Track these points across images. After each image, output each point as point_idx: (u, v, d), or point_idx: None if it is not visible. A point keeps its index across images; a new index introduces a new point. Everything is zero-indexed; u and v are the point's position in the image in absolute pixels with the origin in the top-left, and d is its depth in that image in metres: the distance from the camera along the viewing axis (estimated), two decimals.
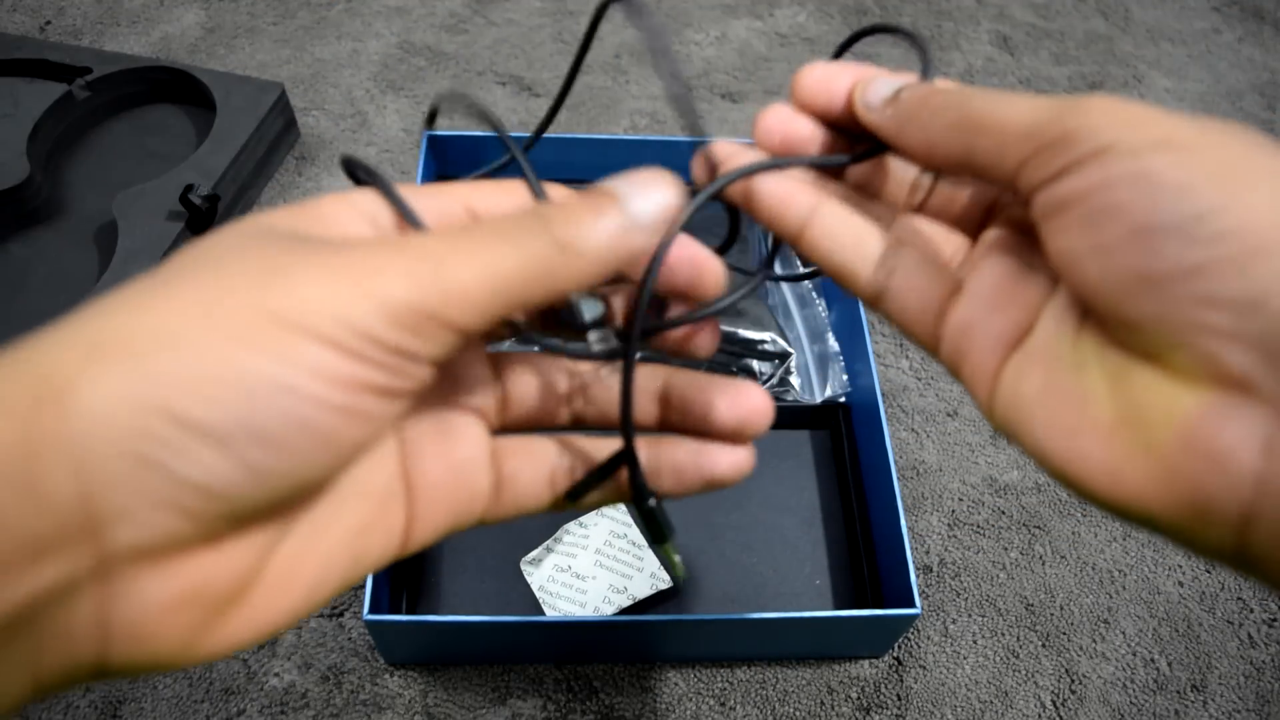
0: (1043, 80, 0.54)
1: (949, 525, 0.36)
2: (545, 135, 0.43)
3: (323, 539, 0.13)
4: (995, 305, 0.14)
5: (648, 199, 0.13)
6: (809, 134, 0.16)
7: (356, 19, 0.53)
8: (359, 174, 0.14)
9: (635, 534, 0.34)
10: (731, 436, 0.15)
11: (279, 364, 0.11)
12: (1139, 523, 0.12)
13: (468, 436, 0.15)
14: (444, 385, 0.15)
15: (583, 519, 0.34)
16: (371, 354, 0.11)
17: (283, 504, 0.12)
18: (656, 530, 0.16)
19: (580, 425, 0.16)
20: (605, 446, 0.15)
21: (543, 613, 0.32)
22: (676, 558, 0.17)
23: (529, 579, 0.33)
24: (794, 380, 0.38)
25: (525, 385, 0.16)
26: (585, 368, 0.16)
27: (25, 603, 0.10)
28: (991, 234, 0.15)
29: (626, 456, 0.15)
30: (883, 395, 0.35)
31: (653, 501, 0.15)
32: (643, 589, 0.32)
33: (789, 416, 0.38)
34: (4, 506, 0.10)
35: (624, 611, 0.32)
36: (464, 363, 0.15)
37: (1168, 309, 0.11)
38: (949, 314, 0.14)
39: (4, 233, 0.40)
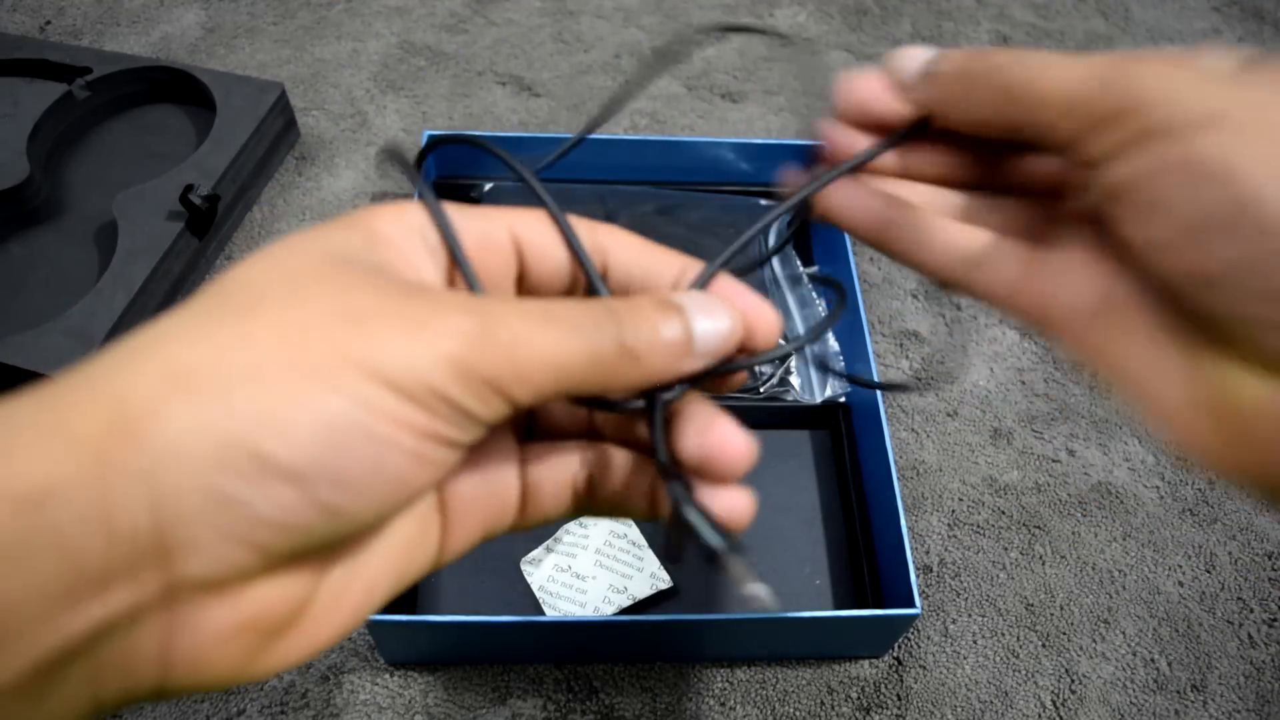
0: None
1: (949, 525, 0.36)
2: (547, 135, 0.43)
3: (371, 561, 0.13)
4: (1074, 281, 0.13)
5: (712, 322, 0.13)
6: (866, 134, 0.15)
7: (356, 19, 0.53)
8: (401, 169, 0.14)
9: (635, 534, 0.34)
10: (699, 474, 0.14)
11: (360, 408, 0.11)
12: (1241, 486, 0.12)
13: (498, 447, 0.15)
14: None
15: (583, 519, 0.34)
16: (439, 408, 0.12)
17: (345, 540, 0.12)
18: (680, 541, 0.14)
19: (602, 436, 0.16)
20: (626, 453, 0.15)
21: (543, 613, 0.32)
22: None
23: (529, 579, 0.33)
24: (794, 380, 0.38)
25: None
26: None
27: (92, 628, 0.10)
28: (1070, 203, 0.15)
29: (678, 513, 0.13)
30: (882, 395, 0.35)
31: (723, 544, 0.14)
32: (643, 589, 0.32)
33: (789, 416, 0.38)
34: (76, 537, 0.10)
35: (624, 611, 0.32)
36: None
37: (1228, 305, 0.11)
38: (1033, 288, 0.14)
39: (4, 233, 0.40)
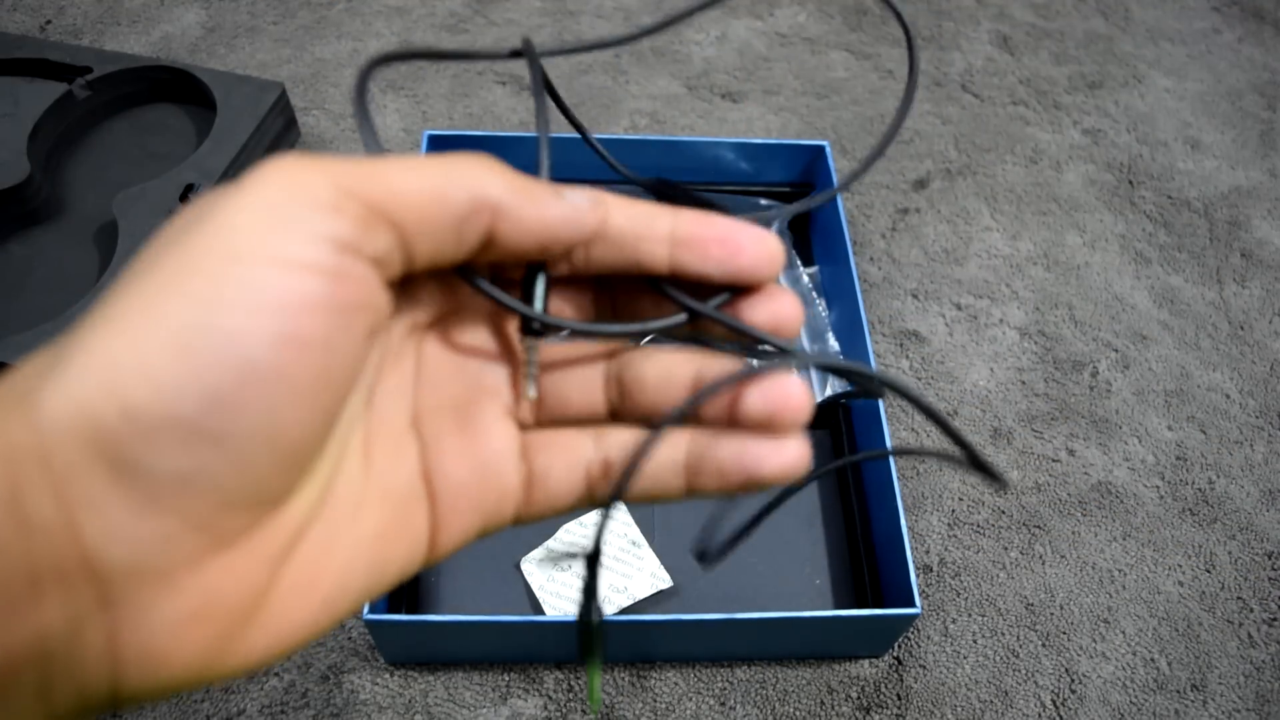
0: (1042, 80, 0.54)
1: (949, 525, 0.36)
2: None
3: (340, 546, 0.13)
4: None
5: (581, 196, 0.13)
6: None
7: (357, 19, 0.53)
8: None
9: (635, 534, 0.34)
10: (763, 429, 0.14)
11: (205, 308, 0.10)
12: None
13: (493, 432, 0.14)
14: (466, 379, 0.15)
15: (583, 518, 0.34)
16: (305, 254, 0.11)
17: (279, 485, 0.11)
18: (589, 647, 0.14)
19: (620, 416, 0.15)
20: (641, 437, 0.14)
21: (543, 612, 0.32)
22: (598, 681, 0.15)
23: (529, 579, 0.33)
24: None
25: (558, 378, 0.15)
26: (624, 355, 0.15)
27: (31, 640, 0.10)
28: None
29: (590, 566, 0.14)
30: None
31: (596, 618, 0.14)
32: (643, 589, 0.32)
33: None
34: None
35: (624, 611, 0.32)
36: (489, 354, 0.15)
37: None
38: None
39: (4, 232, 0.40)
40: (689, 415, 0.14)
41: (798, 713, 0.31)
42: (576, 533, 0.34)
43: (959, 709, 0.32)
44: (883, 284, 0.44)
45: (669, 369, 0.15)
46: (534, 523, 0.15)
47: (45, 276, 0.39)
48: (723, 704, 0.31)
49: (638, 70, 0.52)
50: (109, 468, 0.10)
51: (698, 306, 0.14)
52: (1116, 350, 0.42)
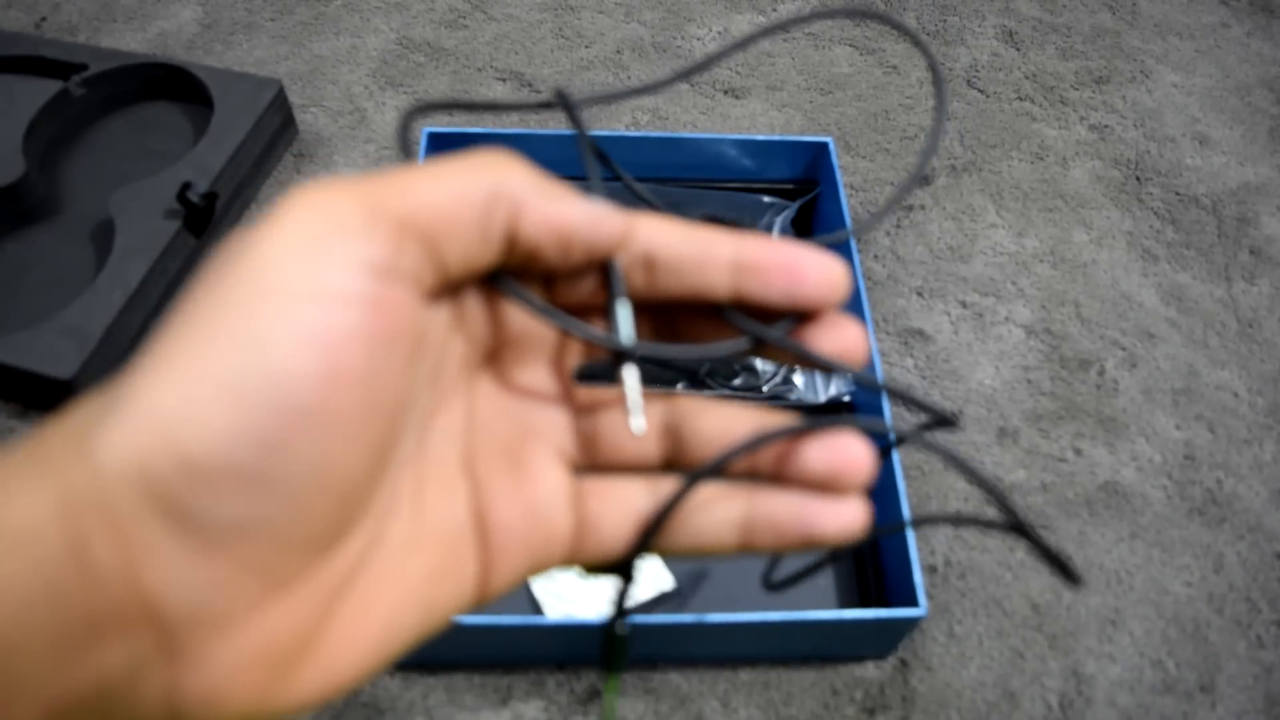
0: (1048, 75, 0.53)
1: (954, 525, 0.36)
2: (547, 132, 0.42)
3: (391, 586, 0.12)
4: None
5: (606, 204, 0.13)
6: None
7: (355, 15, 0.52)
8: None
9: None
10: (823, 488, 0.14)
11: (250, 351, 0.10)
12: None
13: (545, 477, 0.14)
14: (517, 420, 0.14)
15: None
16: (342, 283, 0.11)
17: (332, 525, 0.11)
18: (616, 659, 0.14)
19: (674, 467, 0.15)
20: (699, 492, 0.14)
21: (544, 615, 0.32)
22: (615, 697, 0.15)
23: (530, 581, 0.32)
24: (797, 380, 0.38)
25: (613, 424, 0.15)
26: (684, 406, 0.15)
27: (93, 684, 0.10)
28: None
29: (624, 575, 0.14)
30: (887, 394, 0.35)
31: (622, 628, 0.14)
32: (645, 591, 0.32)
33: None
34: (59, 579, 0.10)
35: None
36: (541, 395, 0.15)
37: None
38: None
39: (0, 231, 0.40)
40: (746, 469, 0.14)
41: (801, 715, 0.31)
42: None
43: (964, 711, 0.32)
44: (887, 282, 0.43)
45: (728, 423, 0.14)
46: (584, 565, 0.14)
47: (41, 275, 0.39)
48: (726, 706, 0.31)
49: (639, 66, 0.51)
50: (167, 516, 0.10)
51: (765, 333, 0.14)
52: (1124, 348, 0.42)
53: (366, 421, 0.11)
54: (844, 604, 0.33)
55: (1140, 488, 0.38)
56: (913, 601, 0.29)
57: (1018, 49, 0.55)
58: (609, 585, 0.32)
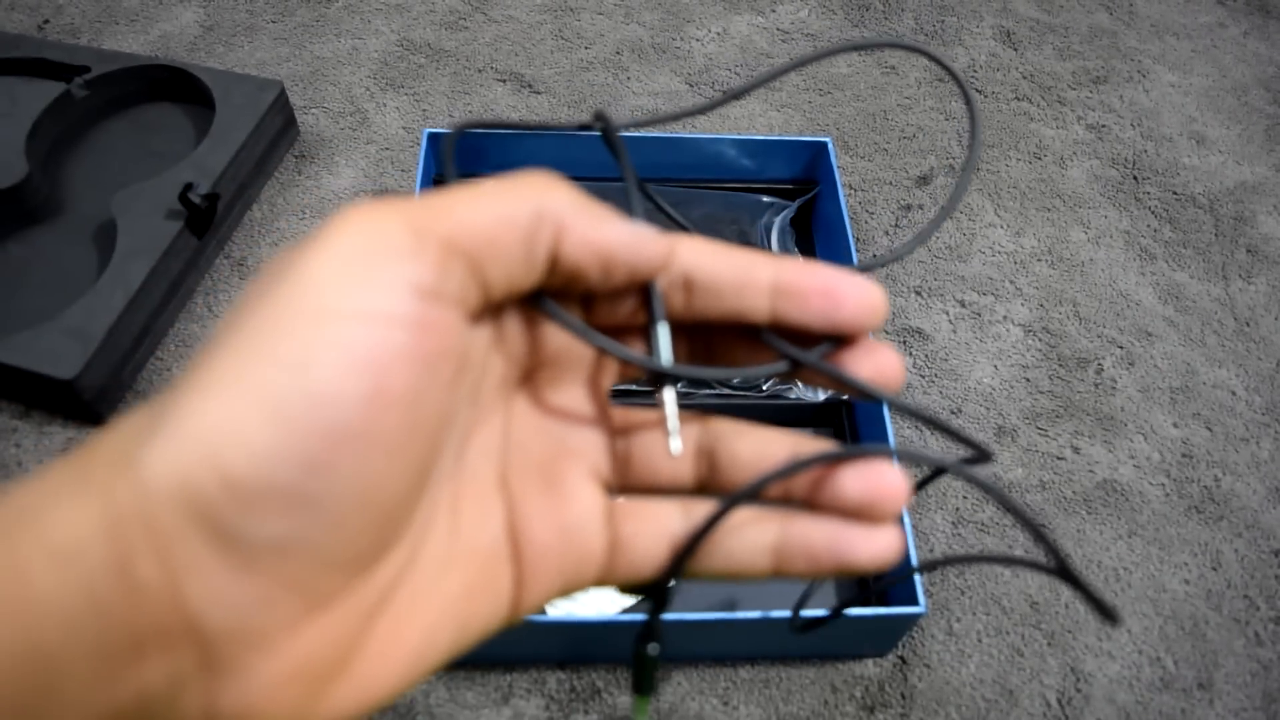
0: (1046, 75, 0.54)
1: (953, 523, 0.36)
2: (548, 131, 0.42)
3: (426, 604, 0.12)
4: None
5: (648, 226, 0.13)
6: None
7: (356, 17, 0.52)
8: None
9: None
10: (858, 515, 0.14)
11: (295, 371, 0.10)
12: None
13: (579, 495, 0.14)
14: (553, 439, 0.15)
15: None
16: (389, 305, 0.11)
17: (373, 545, 0.11)
18: (646, 680, 0.14)
19: (707, 490, 0.15)
20: (732, 515, 0.14)
21: (545, 613, 0.32)
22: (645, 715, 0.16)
23: None
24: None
25: (644, 445, 0.15)
26: (718, 428, 0.15)
27: (134, 699, 0.10)
28: None
29: (657, 599, 0.14)
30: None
31: (654, 649, 0.14)
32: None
33: (791, 415, 0.37)
34: (104, 592, 0.10)
35: (628, 612, 0.32)
36: (577, 414, 0.15)
37: None
38: None
39: (3, 232, 0.40)
40: (780, 494, 0.14)
41: (801, 712, 0.31)
42: None
43: (964, 708, 0.32)
44: (886, 281, 0.43)
45: (764, 447, 0.14)
46: (617, 584, 0.14)
47: (44, 276, 0.39)
48: (726, 704, 0.31)
49: (639, 67, 0.51)
50: (210, 534, 0.10)
51: (802, 356, 0.14)
52: (1121, 347, 0.42)
53: (409, 442, 0.11)
54: (843, 602, 0.33)
55: (1138, 486, 0.38)
56: (912, 600, 0.29)
57: (1015, 49, 0.55)
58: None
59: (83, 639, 0.10)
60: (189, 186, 0.39)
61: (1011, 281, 0.44)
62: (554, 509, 0.14)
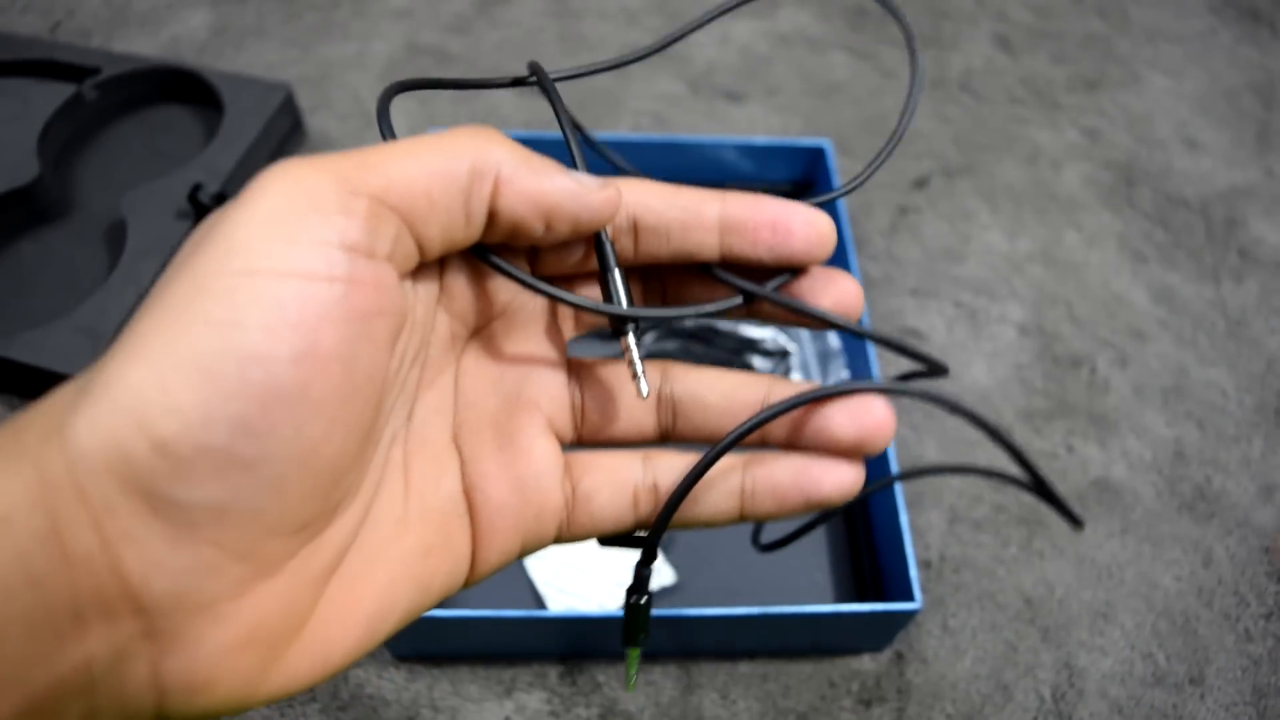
0: (1041, 80, 0.54)
1: (949, 521, 0.37)
2: (551, 135, 0.43)
3: (382, 566, 0.12)
4: None
5: (591, 177, 0.13)
6: None
7: (363, 21, 0.53)
8: None
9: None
10: (849, 453, 0.14)
11: (223, 331, 0.10)
12: None
13: (535, 451, 0.14)
14: (506, 393, 0.14)
15: None
16: (316, 263, 0.10)
17: (317, 508, 0.11)
18: (635, 631, 0.14)
19: (669, 440, 0.15)
20: (692, 463, 0.14)
21: (546, 607, 0.32)
22: (635, 670, 0.15)
23: (532, 574, 0.33)
24: (795, 378, 0.39)
25: (603, 395, 0.14)
26: (680, 375, 0.14)
27: (76, 671, 0.10)
28: None
29: (647, 551, 0.14)
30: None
31: (642, 599, 0.14)
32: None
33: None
34: (39, 563, 0.09)
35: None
36: (528, 365, 0.14)
37: None
38: None
39: (14, 231, 0.41)
40: (758, 439, 0.14)
41: (799, 706, 0.32)
42: None
43: (959, 702, 0.32)
44: (883, 282, 0.44)
45: (734, 392, 0.14)
46: (578, 541, 0.14)
47: (55, 275, 0.40)
48: (724, 697, 0.32)
49: (640, 71, 0.52)
50: (144, 501, 0.10)
51: (756, 289, 0.13)
52: (1114, 347, 0.43)
53: (347, 402, 0.11)
54: (841, 598, 0.34)
55: (1131, 484, 0.38)
56: (908, 595, 0.30)
57: (1011, 54, 0.56)
58: (612, 578, 0.33)
59: (16, 610, 0.09)
60: (198, 187, 0.39)
61: (1006, 283, 0.45)
62: (510, 465, 0.14)
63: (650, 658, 0.32)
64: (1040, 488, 0.15)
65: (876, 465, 0.34)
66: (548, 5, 0.55)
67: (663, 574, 0.33)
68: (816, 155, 0.43)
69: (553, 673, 0.32)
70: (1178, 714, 0.32)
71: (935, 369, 0.14)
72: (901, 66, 0.54)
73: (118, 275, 0.37)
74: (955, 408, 0.13)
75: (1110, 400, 0.41)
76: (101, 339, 0.35)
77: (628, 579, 0.33)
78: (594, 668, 0.32)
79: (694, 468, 0.13)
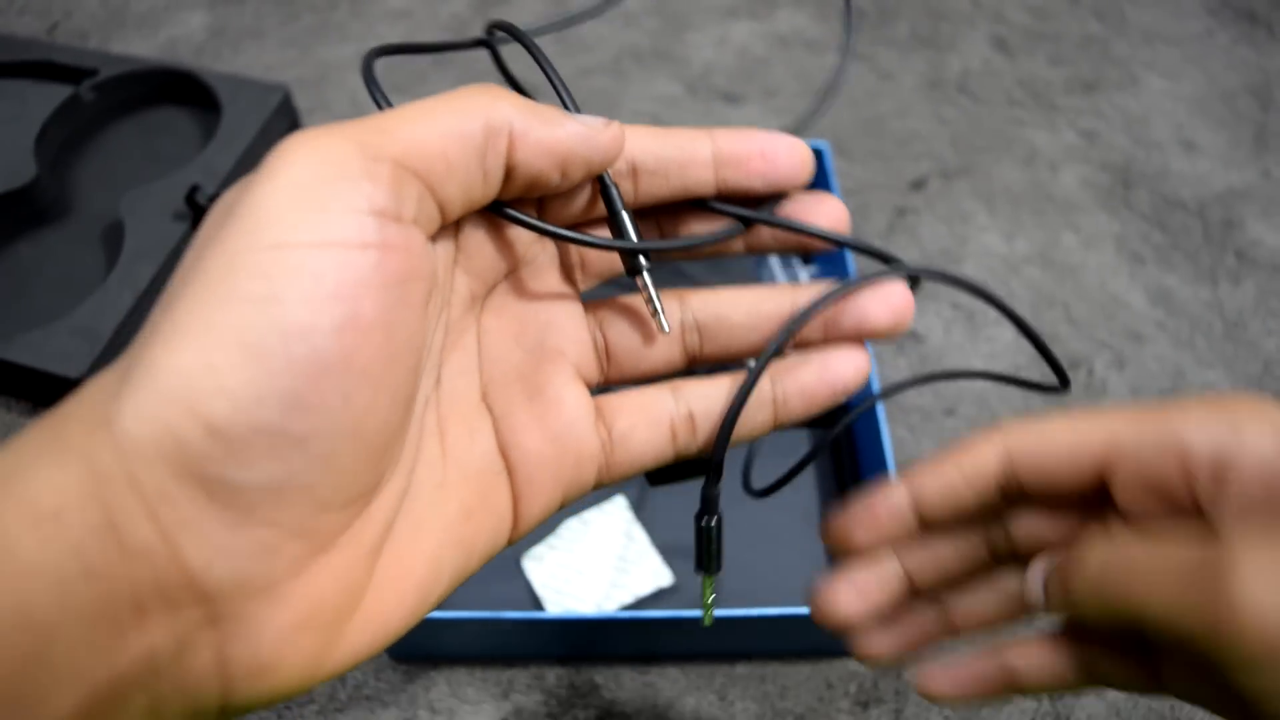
0: (1039, 81, 0.55)
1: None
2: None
3: (427, 530, 0.12)
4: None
5: (594, 117, 0.13)
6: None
7: (361, 22, 0.53)
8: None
9: (637, 530, 0.34)
10: (885, 335, 0.15)
11: (263, 307, 0.10)
12: None
13: (565, 400, 0.14)
14: (529, 345, 0.14)
15: (584, 515, 0.34)
16: (348, 231, 0.10)
17: (367, 479, 0.11)
18: (710, 557, 0.15)
19: (696, 364, 0.15)
20: (724, 386, 0.14)
21: (544, 609, 0.32)
22: (710, 599, 0.16)
23: (530, 576, 0.33)
24: None
25: (625, 334, 0.15)
26: (699, 301, 0.15)
27: (139, 662, 0.10)
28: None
29: (714, 472, 0.14)
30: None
31: (714, 520, 0.15)
32: (644, 586, 0.33)
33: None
34: (95, 554, 0.09)
35: (625, 608, 0.32)
36: (547, 316, 0.14)
37: None
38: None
39: (12, 233, 0.41)
40: (795, 342, 0.15)
41: (797, 708, 0.32)
42: (578, 529, 0.34)
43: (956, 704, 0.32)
44: None
45: (756, 304, 0.15)
46: (620, 481, 0.14)
47: (53, 276, 0.40)
48: (723, 699, 0.32)
49: (638, 72, 0.52)
50: (200, 487, 0.10)
51: (753, 214, 0.14)
52: (1112, 349, 0.43)
53: (389, 369, 0.11)
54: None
55: None
56: None
57: (1008, 56, 0.56)
58: (609, 579, 0.33)
59: (74, 604, 0.09)
60: (195, 188, 0.39)
61: (1004, 284, 0.45)
62: (542, 417, 0.14)
63: (647, 659, 0.32)
64: (1036, 342, 0.16)
65: (873, 458, 0.34)
66: (546, 6, 0.55)
67: (660, 576, 0.33)
68: (814, 156, 0.43)
69: (550, 674, 0.32)
70: (1175, 715, 0.32)
71: (886, 259, 0.16)
72: (901, 68, 0.54)
73: (115, 277, 0.37)
74: (969, 286, 0.15)
75: (1107, 402, 0.41)
76: (99, 340, 0.35)
77: (625, 579, 0.33)
78: (592, 670, 0.32)
79: (745, 380, 0.14)
